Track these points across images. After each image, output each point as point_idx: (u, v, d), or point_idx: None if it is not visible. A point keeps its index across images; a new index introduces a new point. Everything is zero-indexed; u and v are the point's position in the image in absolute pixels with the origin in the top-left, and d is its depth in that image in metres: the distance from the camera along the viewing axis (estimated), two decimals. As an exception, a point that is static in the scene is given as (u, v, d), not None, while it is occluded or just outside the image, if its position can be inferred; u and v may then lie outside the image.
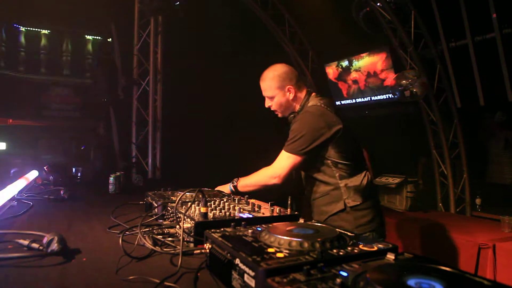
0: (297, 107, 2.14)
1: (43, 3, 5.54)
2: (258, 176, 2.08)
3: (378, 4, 5.03)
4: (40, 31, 6.36)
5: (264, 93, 2.15)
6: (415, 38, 4.98)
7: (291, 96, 2.10)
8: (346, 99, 6.28)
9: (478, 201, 4.82)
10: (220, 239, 1.03)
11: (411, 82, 4.52)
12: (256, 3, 6.03)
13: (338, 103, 6.36)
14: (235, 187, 2.10)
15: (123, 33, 5.48)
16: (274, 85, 2.09)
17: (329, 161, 1.97)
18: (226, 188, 2.14)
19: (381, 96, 5.67)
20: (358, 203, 1.95)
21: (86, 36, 6.59)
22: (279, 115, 2.20)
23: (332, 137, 1.93)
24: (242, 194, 1.97)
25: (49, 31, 6.41)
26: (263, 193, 1.96)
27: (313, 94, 2.14)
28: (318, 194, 2.06)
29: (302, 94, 2.13)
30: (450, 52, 4.84)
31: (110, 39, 6.00)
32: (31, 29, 6.37)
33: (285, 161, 1.97)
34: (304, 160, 1.96)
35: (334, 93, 6.41)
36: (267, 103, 2.17)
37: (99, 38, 6.54)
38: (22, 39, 6.27)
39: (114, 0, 5.43)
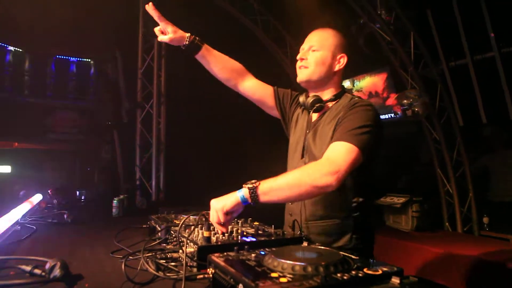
0: (329, 91, 1.69)
1: (48, 28, 5.68)
2: (299, 173, 1.38)
3: (378, 25, 5.13)
4: (45, 55, 6.51)
5: (310, 42, 1.69)
6: (415, 58, 5.05)
7: (337, 67, 1.67)
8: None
9: (485, 220, 4.75)
10: (223, 263, 1.02)
11: (412, 101, 4.55)
12: (257, 26, 6.16)
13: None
14: (254, 193, 1.34)
15: (128, 57, 5.58)
16: (331, 41, 1.66)
17: (351, 185, 1.55)
18: (231, 198, 1.38)
19: (383, 115, 5.70)
20: (366, 238, 1.63)
21: (91, 60, 6.72)
22: (304, 75, 1.68)
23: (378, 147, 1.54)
24: (258, 206, 1.37)
25: (54, 55, 6.55)
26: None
27: (348, 92, 1.73)
28: (317, 217, 1.60)
29: (340, 85, 1.73)
30: (451, 71, 4.90)
31: (115, 63, 6.11)
32: (36, 53, 6.52)
33: (346, 153, 1.38)
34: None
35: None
36: (303, 54, 1.69)
37: (104, 62, 6.67)
38: (27, 63, 6.41)
39: (119, 24, 5.57)
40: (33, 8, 5.32)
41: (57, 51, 6.55)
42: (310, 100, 1.67)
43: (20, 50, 6.35)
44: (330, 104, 1.68)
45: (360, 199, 1.59)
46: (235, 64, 1.91)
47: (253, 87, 1.92)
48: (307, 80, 1.68)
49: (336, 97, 1.67)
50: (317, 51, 1.65)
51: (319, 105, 1.66)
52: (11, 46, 6.11)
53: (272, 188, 1.36)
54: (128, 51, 5.53)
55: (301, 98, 1.73)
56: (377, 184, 1.67)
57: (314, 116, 1.71)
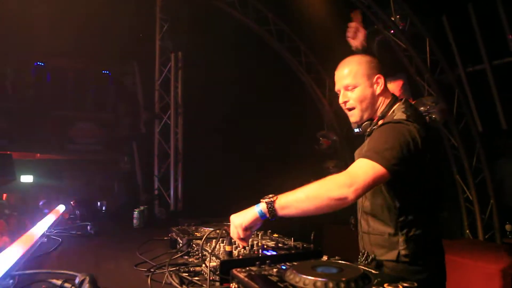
0: (379, 111, 1.65)
1: (67, 41, 5.84)
2: (317, 185, 1.39)
3: (392, 32, 5.11)
4: (66, 68, 6.71)
5: (342, 82, 1.65)
6: (431, 65, 5.00)
7: (379, 89, 1.63)
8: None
9: (508, 227, 4.65)
10: (246, 279, 1.05)
11: (429, 108, 4.50)
12: (272, 36, 6.21)
13: (357, 130, 6.34)
14: (272, 208, 1.37)
15: (145, 70, 5.71)
16: (361, 71, 1.62)
17: (396, 202, 1.50)
18: (249, 213, 1.42)
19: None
20: (416, 258, 1.51)
21: (109, 72, 6.89)
22: (356, 117, 1.67)
23: (420, 164, 1.47)
24: (277, 219, 1.40)
25: (75, 68, 6.74)
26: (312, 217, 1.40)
27: (399, 103, 1.63)
28: (371, 229, 1.62)
29: (389, 97, 1.66)
30: (468, 77, 4.84)
31: (133, 75, 6.26)
32: (58, 66, 6.71)
33: (367, 169, 1.37)
34: (386, 182, 1.43)
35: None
36: (343, 98, 1.67)
37: (122, 74, 6.82)
38: (49, 76, 6.61)
39: (136, 38, 5.71)
40: (51, 21, 5.50)
41: (76, 64, 6.75)
42: (363, 126, 1.69)
43: (42, 64, 6.58)
44: (380, 123, 1.63)
45: (409, 217, 1.50)
46: None
47: None
48: (360, 121, 1.68)
49: (383, 116, 1.63)
50: (353, 89, 1.63)
51: (370, 129, 1.65)
52: (33, 61, 6.34)
53: (290, 202, 1.38)
54: (145, 63, 5.66)
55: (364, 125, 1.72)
56: (433, 202, 1.57)
57: None
